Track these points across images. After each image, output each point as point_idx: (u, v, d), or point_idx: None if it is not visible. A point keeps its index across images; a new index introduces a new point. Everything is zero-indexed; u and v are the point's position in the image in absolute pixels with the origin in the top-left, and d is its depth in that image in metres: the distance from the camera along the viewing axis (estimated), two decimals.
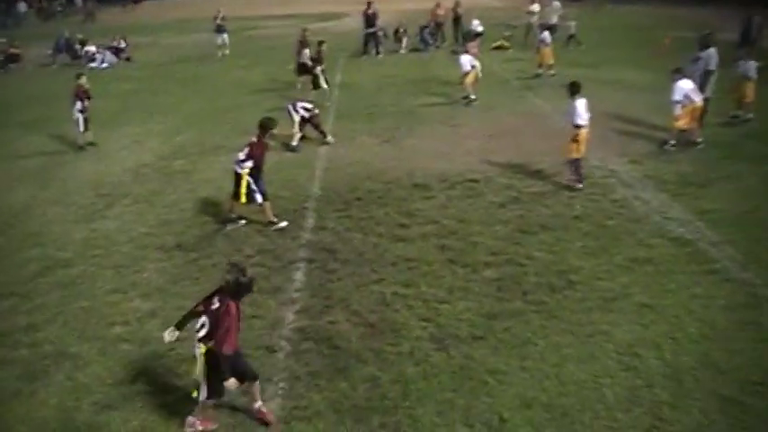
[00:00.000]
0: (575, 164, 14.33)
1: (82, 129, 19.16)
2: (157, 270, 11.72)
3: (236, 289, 7.14)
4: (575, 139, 14.11)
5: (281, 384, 8.46)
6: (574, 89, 14.23)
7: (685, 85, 16.24)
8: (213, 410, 7.81)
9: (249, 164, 12.77)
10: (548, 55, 27.12)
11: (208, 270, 11.46)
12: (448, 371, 8.56)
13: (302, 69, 24.99)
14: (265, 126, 12.95)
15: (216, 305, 7.20)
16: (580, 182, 14.31)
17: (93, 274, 11.76)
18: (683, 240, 11.93)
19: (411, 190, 14.79)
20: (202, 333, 7.27)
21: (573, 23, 33.87)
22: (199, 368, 7.30)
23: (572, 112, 14.09)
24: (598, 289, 10.37)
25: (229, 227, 13.19)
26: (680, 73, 16.60)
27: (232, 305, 7.10)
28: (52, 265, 12.16)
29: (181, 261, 11.96)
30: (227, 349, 7.04)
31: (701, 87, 16.97)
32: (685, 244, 11.80)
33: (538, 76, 26.72)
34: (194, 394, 7.46)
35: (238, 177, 12.87)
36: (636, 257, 11.32)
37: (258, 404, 7.86)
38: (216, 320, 7.13)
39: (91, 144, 19.50)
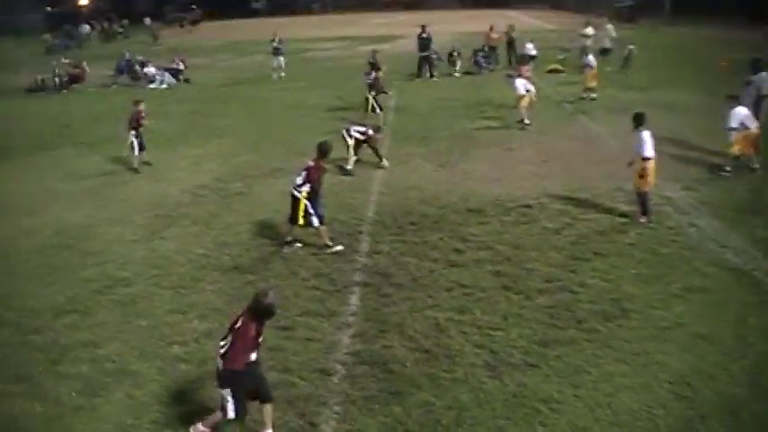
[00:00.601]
0: (643, 197, 14.01)
1: (137, 152, 19.62)
2: (215, 291, 11.93)
3: (255, 311, 7.49)
4: (642, 173, 13.79)
5: (336, 408, 8.56)
6: (639, 120, 13.95)
7: (741, 112, 16.13)
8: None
9: (306, 188, 12.95)
10: (591, 78, 27.10)
11: None
12: (501, 398, 8.60)
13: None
14: (323, 150, 13.17)
15: (238, 325, 7.56)
16: (646, 215, 13.95)
17: (153, 293, 11.99)
18: (739, 270, 11.82)
19: (465, 215, 14.86)
20: (222, 351, 7.62)
21: (633, 47, 33.48)
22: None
23: (639, 145, 13.75)
24: (652, 318, 10.32)
25: (286, 249, 13.38)
26: (735, 100, 16.49)
27: (252, 326, 7.45)
28: (112, 284, 12.42)
29: (238, 283, 12.15)
30: (235, 365, 7.46)
31: (755, 113, 16.89)
32: (741, 273, 11.69)
33: (592, 99, 26.67)
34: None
35: (296, 201, 13.05)
36: (691, 286, 11.25)
37: (269, 431, 7.99)
38: (235, 339, 7.50)
39: (146, 164, 19.95)
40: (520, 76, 23.59)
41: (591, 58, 27.59)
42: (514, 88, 22.80)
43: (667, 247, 12.83)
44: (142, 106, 19.87)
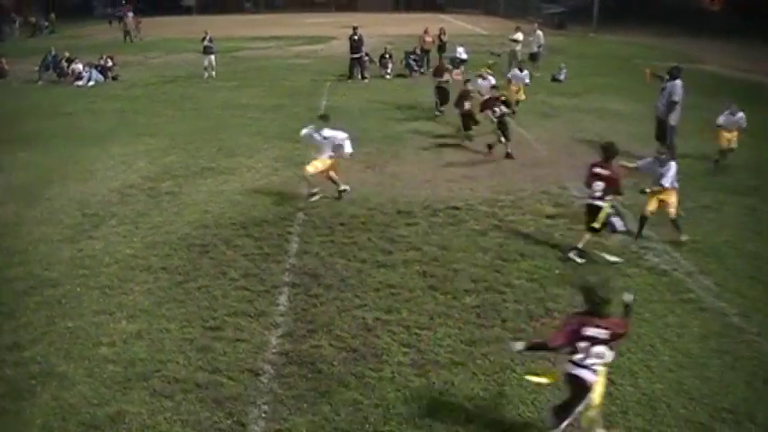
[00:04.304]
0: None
1: None
2: (143, 292, 11.81)
3: None
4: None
5: (265, 407, 8.61)
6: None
7: None
8: None
9: (610, 198, 12.52)
10: (514, 92, 26.06)
11: (193, 293, 11.60)
12: (428, 396, 8.77)
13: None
14: (612, 151, 12.62)
15: None
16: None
17: (80, 294, 11.81)
18: (659, 270, 12.26)
19: (394, 216, 15.00)
20: None
21: (564, 69, 33.95)
22: None
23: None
24: None
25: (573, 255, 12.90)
26: None
27: None
28: (38, 285, 12.18)
29: (167, 284, 12.07)
30: None
31: (666, 117, 17.95)
32: (661, 273, 12.13)
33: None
34: None
35: (598, 209, 12.55)
36: (612, 286, 11.55)
37: None
38: None
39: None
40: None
41: (516, 71, 26.77)
42: None
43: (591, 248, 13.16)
44: None
